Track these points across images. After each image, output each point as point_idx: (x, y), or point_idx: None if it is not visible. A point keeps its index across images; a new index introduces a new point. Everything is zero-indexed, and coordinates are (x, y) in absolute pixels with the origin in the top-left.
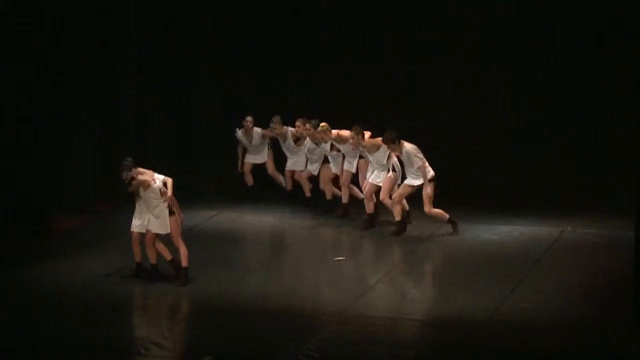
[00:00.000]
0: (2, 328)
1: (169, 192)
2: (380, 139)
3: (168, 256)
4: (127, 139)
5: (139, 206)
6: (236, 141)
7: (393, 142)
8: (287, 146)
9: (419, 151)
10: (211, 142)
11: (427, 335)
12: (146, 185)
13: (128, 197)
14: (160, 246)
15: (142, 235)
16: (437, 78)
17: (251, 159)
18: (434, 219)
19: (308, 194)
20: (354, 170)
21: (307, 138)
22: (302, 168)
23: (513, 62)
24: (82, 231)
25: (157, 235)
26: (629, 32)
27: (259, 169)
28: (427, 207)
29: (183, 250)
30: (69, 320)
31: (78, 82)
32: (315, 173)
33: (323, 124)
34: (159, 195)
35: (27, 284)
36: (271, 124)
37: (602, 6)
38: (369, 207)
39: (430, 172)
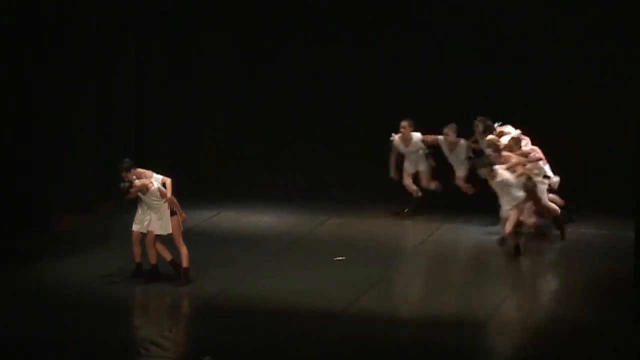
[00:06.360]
0: (2, 328)
1: (168, 192)
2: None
3: (168, 256)
4: (127, 139)
5: (140, 206)
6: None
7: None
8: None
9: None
10: (211, 141)
11: (426, 336)
12: (145, 189)
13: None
14: (160, 246)
15: (142, 235)
16: (435, 78)
17: (410, 168)
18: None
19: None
20: None
21: None
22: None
23: (513, 62)
24: (82, 231)
25: (158, 236)
26: (630, 32)
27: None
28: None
29: (184, 251)
30: (69, 320)
31: (78, 82)
32: None
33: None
34: (159, 196)
35: (27, 284)
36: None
37: (603, 5)
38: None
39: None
